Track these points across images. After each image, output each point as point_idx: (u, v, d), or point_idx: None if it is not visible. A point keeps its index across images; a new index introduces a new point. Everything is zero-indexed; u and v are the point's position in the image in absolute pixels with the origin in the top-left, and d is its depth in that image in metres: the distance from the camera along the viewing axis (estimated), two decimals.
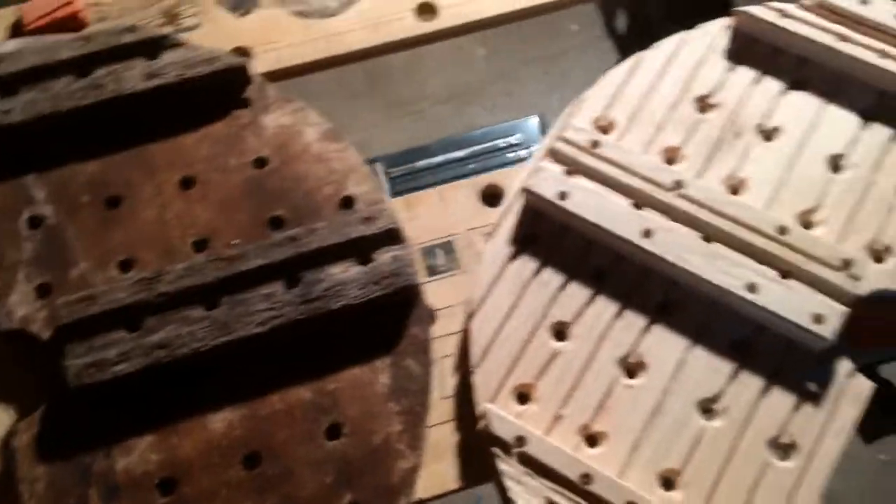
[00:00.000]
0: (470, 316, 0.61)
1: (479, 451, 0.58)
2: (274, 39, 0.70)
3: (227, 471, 0.55)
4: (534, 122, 1.26)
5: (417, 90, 1.71)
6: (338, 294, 0.57)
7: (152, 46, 0.63)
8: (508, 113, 1.63)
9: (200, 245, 0.60)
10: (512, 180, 0.66)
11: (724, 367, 0.59)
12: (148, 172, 0.62)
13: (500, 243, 0.63)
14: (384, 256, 0.59)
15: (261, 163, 0.63)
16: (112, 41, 0.63)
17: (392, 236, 0.59)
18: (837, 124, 0.66)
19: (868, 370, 0.68)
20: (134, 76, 0.61)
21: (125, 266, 0.59)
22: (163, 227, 0.60)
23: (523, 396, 0.59)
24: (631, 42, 0.69)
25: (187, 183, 0.62)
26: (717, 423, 0.58)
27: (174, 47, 0.63)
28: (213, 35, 0.70)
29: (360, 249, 0.59)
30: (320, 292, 0.57)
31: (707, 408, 0.58)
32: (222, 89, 0.64)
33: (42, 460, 0.54)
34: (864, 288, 0.60)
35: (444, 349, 0.63)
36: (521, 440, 0.56)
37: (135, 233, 0.60)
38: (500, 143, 1.21)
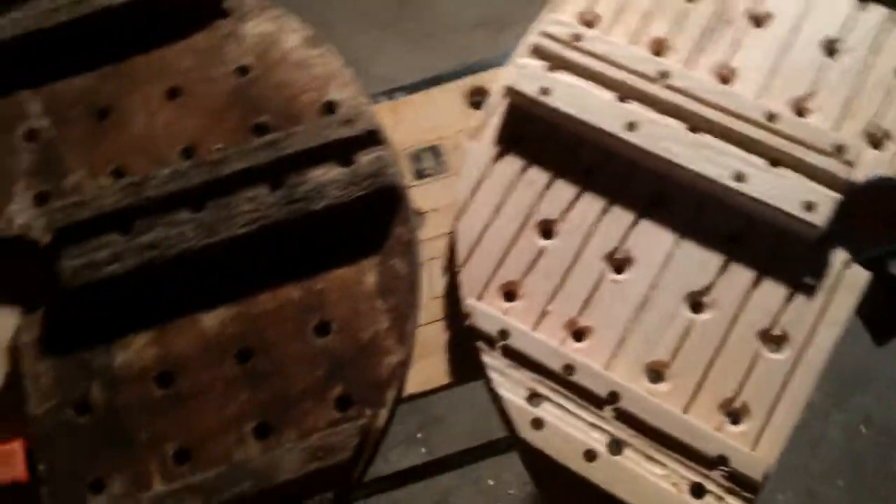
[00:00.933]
0: (456, 217, 0.61)
1: (468, 349, 0.59)
2: None
3: (221, 366, 0.57)
4: None
5: (447, 19, 1.67)
6: (319, 195, 0.58)
7: None
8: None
9: (188, 153, 0.61)
10: (496, 80, 0.65)
11: (713, 259, 0.58)
12: (135, 84, 0.63)
13: (485, 144, 0.62)
14: (365, 158, 0.59)
15: (243, 71, 0.64)
16: None
17: (372, 138, 0.59)
18: (832, 6, 0.63)
19: (876, 265, 0.66)
20: None
21: (118, 174, 0.61)
22: (152, 136, 0.62)
23: (510, 294, 0.59)
24: None
25: (173, 93, 0.63)
26: (705, 315, 0.57)
27: None
28: None
29: (341, 152, 0.59)
30: (302, 194, 0.58)
31: (696, 301, 0.57)
32: (200, 1, 0.64)
33: (45, 357, 0.57)
34: (859, 175, 0.58)
35: (433, 251, 0.64)
36: (504, 333, 0.56)
37: (125, 142, 0.62)
38: None
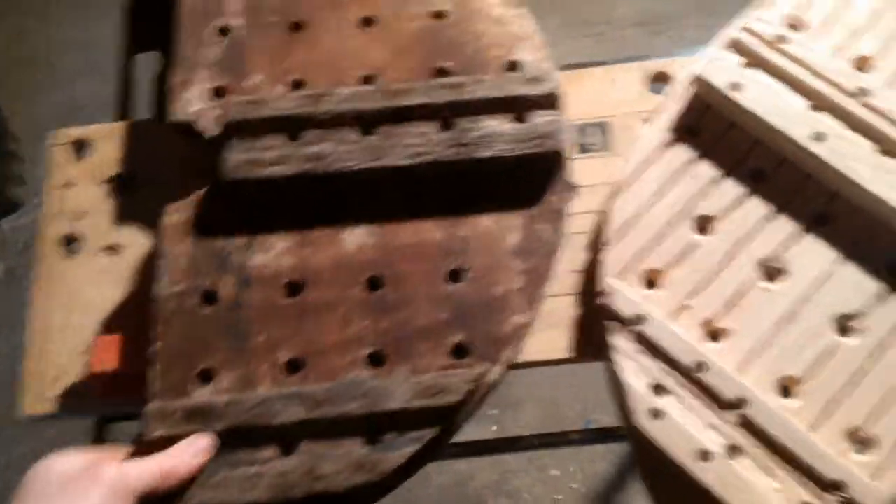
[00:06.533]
0: (613, 195, 0.61)
1: (597, 329, 0.58)
2: None
3: (352, 288, 0.58)
4: None
5: (604, 12, 1.65)
6: (488, 144, 0.58)
7: None
8: (698, 46, 1.56)
9: (369, 80, 0.62)
10: (683, 67, 0.64)
11: (872, 286, 0.56)
12: (335, 5, 0.65)
13: (659, 129, 0.62)
14: (539, 118, 0.59)
15: (440, 15, 0.65)
16: None
17: (551, 102, 0.60)
18: None
19: None
20: None
21: (296, 86, 0.62)
22: (338, 57, 0.63)
23: (651, 282, 0.59)
24: None
25: (367, 21, 0.65)
26: (852, 341, 0.55)
27: None
28: None
29: (518, 108, 0.60)
30: (471, 139, 0.59)
31: (845, 325, 0.55)
32: None
33: (185, 242, 0.59)
34: None
35: (580, 225, 0.64)
36: (640, 318, 0.56)
37: (311, 58, 0.63)
38: None
